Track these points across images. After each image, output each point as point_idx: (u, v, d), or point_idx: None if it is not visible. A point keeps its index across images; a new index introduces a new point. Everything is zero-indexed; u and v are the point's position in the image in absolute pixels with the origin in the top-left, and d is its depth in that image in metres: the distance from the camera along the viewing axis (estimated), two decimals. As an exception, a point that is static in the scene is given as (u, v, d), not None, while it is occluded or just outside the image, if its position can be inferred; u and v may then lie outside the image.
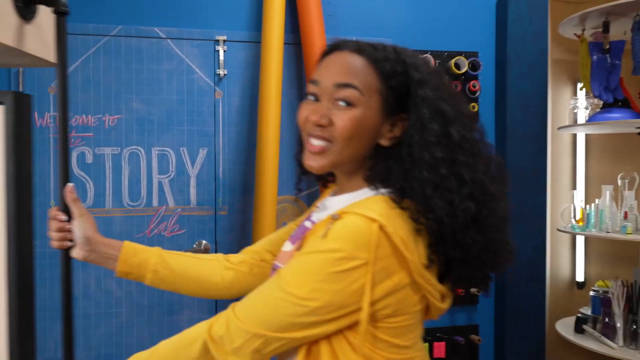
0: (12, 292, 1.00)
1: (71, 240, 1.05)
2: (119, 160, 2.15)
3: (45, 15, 1.03)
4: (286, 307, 0.81)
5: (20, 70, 2.05)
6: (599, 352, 1.97)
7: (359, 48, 0.90)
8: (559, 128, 2.26)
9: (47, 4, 1.03)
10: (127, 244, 1.08)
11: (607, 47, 2.00)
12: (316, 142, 0.89)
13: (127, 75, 2.15)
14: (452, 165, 0.84)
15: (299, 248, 0.91)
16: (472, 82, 2.42)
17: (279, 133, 2.13)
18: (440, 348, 2.43)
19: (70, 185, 1.04)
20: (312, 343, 0.85)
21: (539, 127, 2.37)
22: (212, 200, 2.23)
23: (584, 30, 2.12)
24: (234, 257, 1.15)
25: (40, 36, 1.05)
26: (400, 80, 0.88)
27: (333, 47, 0.94)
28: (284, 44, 2.17)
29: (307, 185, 2.34)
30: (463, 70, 2.39)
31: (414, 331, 0.88)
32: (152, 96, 2.17)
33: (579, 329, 2.13)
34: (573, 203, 2.23)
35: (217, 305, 2.24)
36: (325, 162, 0.89)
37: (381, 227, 0.79)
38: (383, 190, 0.87)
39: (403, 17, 2.42)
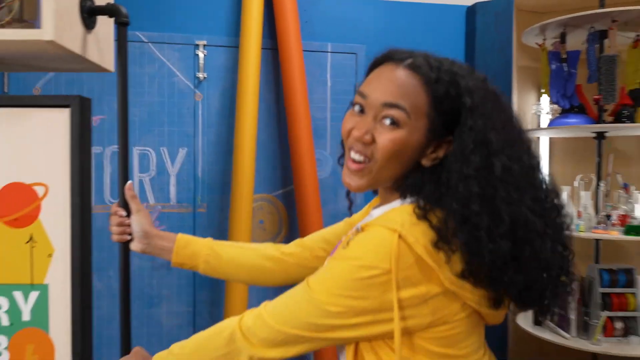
0: (74, 275, 1.10)
1: (130, 234, 1.14)
2: (101, 159, 2.23)
3: (101, 24, 1.13)
4: (308, 309, 0.83)
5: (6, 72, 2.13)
6: (555, 342, 2.10)
7: (414, 64, 0.85)
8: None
9: (110, 15, 1.12)
10: (180, 237, 1.15)
11: (565, 56, 2.13)
12: (357, 157, 0.87)
13: (109, 77, 2.24)
14: (489, 200, 0.79)
15: None
16: (441, 87, 2.54)
17: (255, 134, 2.23)
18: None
19: (129, 183, 1.14)
20: (358, 350, 0.86)
21: (504, 130, 2.50)
22: (191, 198, 2.33)
23: (544, 40, 2.25)
24: (285, 248, 1.19)
25: (97, 44, 1.14)
26: (452, 105, 0.83)
27: (386, 57, 0.89)
28: (262, 48, 2.27)
29: (284, 184, 2.45)
30: (433, 76, 2.51)
31: (465, 340, 0.85)
32: (134, 98, 2.26)
33: (537, 321, 2.26)
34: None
35: (195, 299, 2.33)
36: (363, 182, 0.88)
37: (401, 238, 0.78)
38: (410, 200, 0.85)
39: (376, 24, 2.53)
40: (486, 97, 0.85)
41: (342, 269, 0.82)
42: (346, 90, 2.50)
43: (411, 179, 0.87)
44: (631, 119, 2.03)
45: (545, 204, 0.84)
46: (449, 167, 0.82)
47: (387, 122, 0.84)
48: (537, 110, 2.38)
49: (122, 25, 1.12)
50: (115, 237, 1.15)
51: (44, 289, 1.12)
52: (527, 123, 2.49)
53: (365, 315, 0.81)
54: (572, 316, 2.10)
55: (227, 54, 2.36)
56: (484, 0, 2.54)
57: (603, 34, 2.06)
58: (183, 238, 1.15)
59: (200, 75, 2.31)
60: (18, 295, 1.12)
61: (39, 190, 1.11)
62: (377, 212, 0.91)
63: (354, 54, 2.49)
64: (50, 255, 1.11)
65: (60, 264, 1.11)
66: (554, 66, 2.15)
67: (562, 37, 2.13)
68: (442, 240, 0.78)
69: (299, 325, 0.83)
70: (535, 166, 0.85)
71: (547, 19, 2.17)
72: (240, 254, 1.17)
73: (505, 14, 2.47)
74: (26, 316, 1.12)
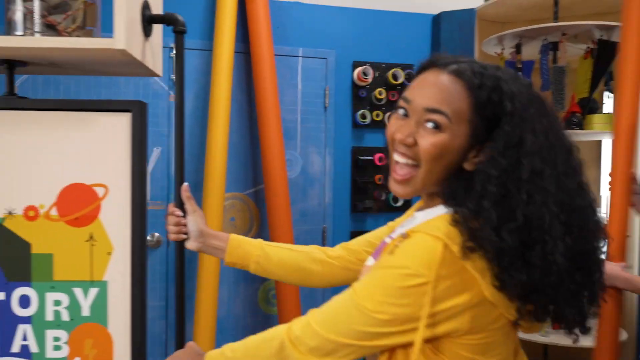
0: (135, 272, 1.16)
1: (186, 234, 1.19)
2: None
3: (154, 31, 1.21)
4: (356, 318, 0.84)
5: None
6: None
7: (457, 70, 0.86)
8: (482, 136, 2.52)
9: (168, 24, 1.19)
10: (233, 237, 1.20)
11: (520, 65, 2.26)
12: (400, 159, 0.89)
13: (85, 79, 2.30)
14: (503, 198, 0.81)
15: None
16: (407, 91, 2.66)
17: (227, 135, 2.32)
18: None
19: (185, 184, 1.20)
20: (392, 354, 0.88)
21: (466, 134, 2.63)
22: (165, 196, 2.41)
23: (503, 49, 2.38)
24: (331, 251, 1.22)
25: (151, 50, 1.21)
26: (494, 110, 0.85)
27: (431, 63, 0.91)
28: (235, 52, 2.36)
29: (254, 183, 2.55)
30: (400, 81, 2.63)
31: (498, 348, 0.86)
32: (110, 98, 2.33)
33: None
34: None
35: (167, 293, 2.41)
36: (409, 190, 0.90)
37: (446, 246, 0.79)
38: (452, 209, 0.86)
39: (346, 30, 2.64)
40: (529, 102, 0.85)
41: (388, 277, 0.83)
42: (316, 93, 2.60)
43: (452, 184, 0.87)
44: (580, 126, 2.17)
45: (573, 214, 0.83)
46: (479, 169, 0.84)
47: (430, 125, 0.85)
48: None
49: (179, 34, 1.18)
50: (172, 236, 1.20)
51: (103, 286, 1.16)
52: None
53: (412, 323, 0.81)
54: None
55: (201, 57, 2.44)
56: (449, 10, 2.67)
57: (555, 46, 2.20)
58: (236, 239, 1.20)
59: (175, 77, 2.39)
60: (78, 291, 1.16)
61: (99, 191, 1.15)
62: (421, 216, 0.93)
63: (324, 58, 2.60)
64: (109, 253, 1.16)
65: (119, 262, 1.16)
66: (510, 75, 2.28)
67: (518, 48, 2.26)
68: (467, 242, 0.79)
69: (348, 334, 0.85)
70: (570, 174, 0.85)
71: (508, 29, 2.29)
72: (288, 256, 1.20)
73: (468, 23, 2.60)
74: (85, 312, 1.16)
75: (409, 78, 2.65)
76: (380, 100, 2.64)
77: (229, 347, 0.97)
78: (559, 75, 2.11)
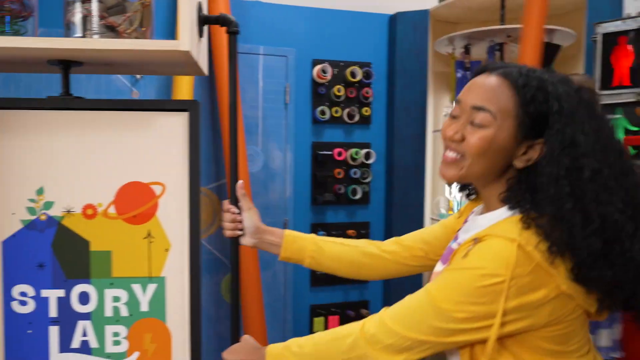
0: (192, 268, 1.19)
1: (241, 230, 1.24)
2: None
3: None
4: (434, 316, 0.88)
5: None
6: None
7: (504, 72, 0.93)
8: (434, 131, 2.65)
9: (222, 25, 1.20)
10: (288, 233, 1.24)
11: (468, 65, 2.39)
12: (449, 154, 0.97)
13: (47, 75, 2.32)
14: (579, 200, 0.85)
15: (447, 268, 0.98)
16: (365, 89, 2.77)
17: (190, 131, 2.38)
18: (334, 321, 2.78)
19: (240, 182, 1.23)
20: (472, 349, 0.91)
21: (420, 130, 2.76)
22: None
23: (453, 49, 2.51)
24: (384, 246, 1.26)
25: (202, 51, 1.22)
26: (540, 108, 0.90)
27: (483, 69, 0.99)
28: (196, 50, 2.42)
29: (217, 178, 2.61)
30: (357, 79, 2.73)
31: (575, 336, 0.91)
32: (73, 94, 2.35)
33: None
34: (444, 195, 2.63)
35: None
36: (454, 173, 0.96)
37: (520, 247, 0.84)
38: (517, 211, 0.91)
39: (306, 29, 2.73)
40: (578, 104, 0.90)
41: (465, 278, 0.87)
42: (277, 90, 2.68)
43: (514, 190, 0.93)
44: (523, 122, 2.32)
45: (637, 208, 0.88)
46: (541, 170, 0.89)
47: (476, 122, 0.92)
48: (447, 113, 2.65)
49: (232, 35, 1.21)
50: (228, 233, 1.24)
51: (161, 282, 1.18)
52: (440, 123, 2.76)
53: (489, 320, 0.86)
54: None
55: (163, 54, 2.48)
56: (404, 10, 2.78)
57: (502, 47, 2.34)
58: (291, 234, 1.25)
59: (137, 75, 2.43)
60: (136, 287, 1.18)
61: (156, 189, 1.17)
62: (485, 221, 0.97)
63: (285, 56, 2.68)
64: (166, 250, 1.18)
65: (177, 258, 1.18)
66: (459, 74, 2.41)
67: (466, 49, 2.39)
68: (552, 245, 0.84)
69: (425, 331, 0.89)
70: (626, 171, 0.89)
71: (460, 29, 2.42)
72: (341, 251, 1.25)
73: (422, 23, 2.71)
74: (144, 307, 1.18)
75: (367, 76, 2.76)
76: (339, 97, 2.74)
77: (295, 342, 0.99)
78: (504, 75, 2.24)
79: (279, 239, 1.24)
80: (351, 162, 2.77)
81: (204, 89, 2.55)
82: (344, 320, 2.79)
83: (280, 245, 1.23)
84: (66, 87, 1.20)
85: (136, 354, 1.20)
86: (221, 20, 1.20)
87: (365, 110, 2.78)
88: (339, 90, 2.72)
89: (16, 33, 1.07)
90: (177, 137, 1.17)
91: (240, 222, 1.24)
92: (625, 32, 2.12)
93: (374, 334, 0.92)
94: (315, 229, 2.75)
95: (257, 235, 1.24)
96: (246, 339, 1.09)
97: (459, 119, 0.96)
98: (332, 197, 2.76)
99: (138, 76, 2.43)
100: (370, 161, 2.79)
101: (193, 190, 1.17)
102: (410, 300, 0.94)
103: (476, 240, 0.90)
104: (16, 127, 1.15)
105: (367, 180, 2.80)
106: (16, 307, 1.17)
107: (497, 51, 2.31)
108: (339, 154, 2.75)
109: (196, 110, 1.17)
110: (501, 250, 0.85)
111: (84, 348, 1.19)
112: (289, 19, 2.70)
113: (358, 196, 2.77)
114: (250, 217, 1.24)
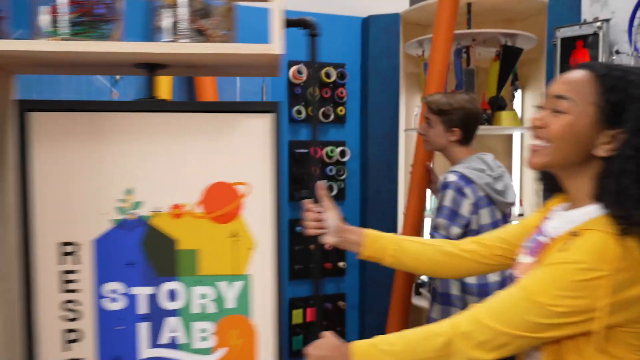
0: (278, 266, 1.23)
1: (323, 228, 1.27)
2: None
3: None
4: (530, 311, 0.89)
5: None
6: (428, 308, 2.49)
7: (589, 65, 0.99)
8: (406, 130, 2.77)
9: (305, 27, 1.25)
10: (368, 232, 1.27)
11: (437, 67, 2.50)
12: (535, 143, 1.01)
13: (26, 76, 2.36)
14: None
15: (539, 261, 0.99)
16: (339, 89, 2.86)
17: (169, 130, 2.44)
18: (312, 313, 2.87)
19: (321, 182, 1.28)
20: (558, 343, 0.92)
21: (393, 128, 2.87)
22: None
23: (423, 51, 2.62)
24: (463, 245, 1.27)
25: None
26: (621, 96, 0.93)
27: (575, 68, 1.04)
28: (175, 52, 2.48)
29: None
30: (332, 79, 2.83)
31: None
32: (52, 95, 2.40)
33: (417, 292, 2.65)
34: (416, 191, 2.74)
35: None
36: (539, 159, 1.00)
37: (621, 241, 0.86)
38: (610, 209, 0.91)
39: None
40: None
41: (563, 272, 0.88)
42: (254, 90, 2.76)
43: (603, 187, 0.94)
44: (489, 122, 2.44)
45: None
46: (623, 154, 0.91)
47: (558, 109, 0.97)
48: (417, 112, 2.76)
49: (313, 37, 1.26)
50: (311, 231, 1.28)
51: (246, 279, 1.22)
52: (412, 122, 2.87)
53: (587, 314, 0.86)
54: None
55: (142, 56, 2.54)
56: (377, 13, 2.88)
57: (468, 50, 2.46)
58: (372, 233, 1.27)
59: (117, 75, 2.49)
60: (222, 285, 1.21)
61: (241, 189, 1.21)
62: (578, 215, 0.98)
63: (261, 58, 2.75)
64: (251, 248, 1.21)
65: (261, 256, 1.22)
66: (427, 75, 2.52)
67: (435, 51, 2.50)
68: None
69: (522, 326, 0.89)
70: None
71: (430, 32, 2.52)
72: (421, 249, 1.27)
73: (394, 26, 2.82)
74: (230, 304, 1.22)
75: (341, 76, 2.85)
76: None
77: (383, 340, 1.00)
78: (469, 76, 2.37)
79: (360, 237, 1.27)
80: (327, 160, 2.86)
81: (182, 91, 2.62)
82: (320, 313, 2.89)
83: (361, 244, 1.26)
84: (152, 89, 1.22)
85: (224, 350, 1.23)
86: (303, 23, 1.25)
87: (340, 110, 2.88)
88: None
89: (102, 37, 1.09)
90: (261, 138, 1.21)
91: (322, 221, 1.28)
92: (582, 37, 2.26)
93: (469, 331, 0.93)
94: (292, 224, 2.84)
95: (339, 234, 1.28)
96: (328, 335, 1.10)
97: (544, 109, 1.02)
98: (308, 193, 2.85)
99: (117, 77, 2.48)
100: (345, 159, 2.89)
101: (276, 190, 1.22)
102: (503, 297, 0.94)
103: (574, 234, 0.92)
104: (105, 130, 1.18)
105: (342, 177, 2.90)
106: (107, 304, 1.20)
107: (464, 54, 2.43)
108: (315, 151, 2.84)
109: (278, 112, 1.21)
110: (602, 244, 0.87)
111: (172, 344, 1.22)
112: (262, 19, 2.77)
113: (334, 193, 2.87)
114: (332, 217, 1.28)
